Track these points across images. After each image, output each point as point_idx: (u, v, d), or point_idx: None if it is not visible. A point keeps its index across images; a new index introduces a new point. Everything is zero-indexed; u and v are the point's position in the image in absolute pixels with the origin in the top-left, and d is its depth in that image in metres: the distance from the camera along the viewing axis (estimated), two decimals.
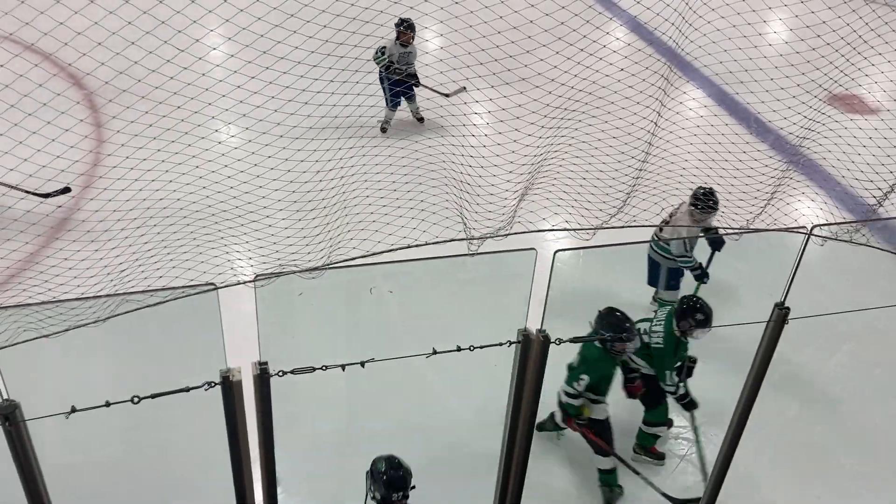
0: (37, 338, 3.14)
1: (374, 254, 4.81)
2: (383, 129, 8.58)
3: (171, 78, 5.88)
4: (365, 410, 5.40)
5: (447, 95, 8.09)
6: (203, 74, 6.46)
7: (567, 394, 5.03)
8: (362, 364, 3.11)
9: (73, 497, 3.33)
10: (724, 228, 6.28)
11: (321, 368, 3.07)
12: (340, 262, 5.28)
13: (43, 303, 3.15)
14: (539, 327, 3.37)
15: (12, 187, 6.11)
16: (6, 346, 2.96)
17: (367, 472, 3.82)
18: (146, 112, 6.26)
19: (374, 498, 3.82)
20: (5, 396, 2.74)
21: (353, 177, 6.31)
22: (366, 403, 5.30)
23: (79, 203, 6.36)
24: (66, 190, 6.56)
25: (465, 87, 7.73)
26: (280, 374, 3.09)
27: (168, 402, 2.81)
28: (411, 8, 6.19)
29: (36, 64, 6.38)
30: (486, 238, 5.63)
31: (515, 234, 5.75)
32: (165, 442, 4.81)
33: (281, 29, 5.95)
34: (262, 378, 3.15)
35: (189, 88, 6.24)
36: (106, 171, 6.49)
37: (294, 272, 4.08)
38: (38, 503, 3.07)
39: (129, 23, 5.66)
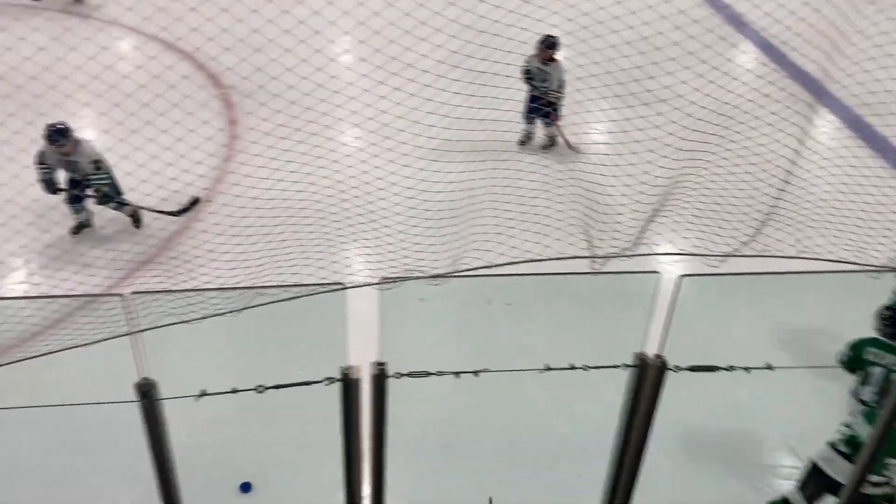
0: (177, 323, 3.37)
1: (496, 265, 4.86)
2: (521, 143, 8.46)
3: (307, 82, 6.21)
4: (469, 420, 5.43)
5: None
6: (348, 84, 6.76)
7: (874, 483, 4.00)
8: (476, 374, 3.15)
9: (193, 474, 3.52)
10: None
11: (436, 374, 3.13)
12: (464, 271, 5.37)
13: (187, 290, 3.38)
14: (657, 353, 3.30)
15: (146, 209, 6.46)
16: (149, 329, 3.19)
17: None
18: (278, 111, 6.59)
19: None
20: (144, 375, 2.96)
21: (482, 188, 6.39)
22: (470, 413, 5.32)
23: (212, 196, 6.72)
24: (196, 201, 6.64)
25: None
26: (397, 375, 3.17)
27: (287, 394, 2.95)
28: (540, 21, 6.19)
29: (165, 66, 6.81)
30: (610, 257, 5.57)
31: (640, 255, 5.66)
32: (278, 431, 4.99)
33: (423, 41, 6.16)
34: (380, 378, 3.24)
35: (334, 96, 6.57)
36: (238, 167, 6.88)
37: (419, 278, 4.19)
38: (165, 478, 3.27)
39: (269, 21, 5.99)
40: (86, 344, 3.57)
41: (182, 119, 6.49)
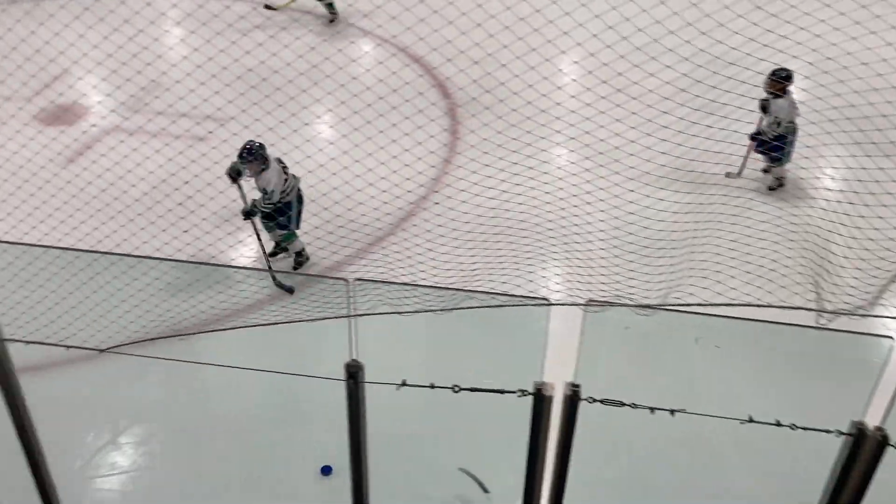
0: (392, 312, 3.57)
1: (710, 304, 4.66)
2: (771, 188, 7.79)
3: (531, 99, 6.28)
4: (648, 456, 5.23)
5: None
6: (570, 97, 6.81)
7: None
8: (672, 412, 3.03)
9: (378, 461, 3.69)
10: None
11: (630, 405, 3.06)
12: (675, 305, 5.20)
13: (405, 283, 3.57)
14: (878, 425, 2.99)
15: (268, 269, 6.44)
16: (366, 314, 3.40)
17: None
18: (499, 117, 6.72)
19: None
20: (354, 357, 3.15)
21: (704, 221, 6.16)
22: (655, 449, 5.13)
23: (430, 197, 6.99)
24: (290, 290, 6.27)
25: None
26: (590, 400, 3.13)
27: (478, 398, 3.01)
28: (779, 51, 5.85)
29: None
30: (841, 314, 5.14)
31: (876, 316, 5.17)
32: (465, 433, 5.09)
33: (638, 70, 6.08)
34: (572, 400, 3.21)
35: (556, 114, 6.65)
36: (457, 172, 7.11)
37: (627, 305, 4.11)
38: (358, 459, 3.46)
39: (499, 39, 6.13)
40: (308, 319, 3.88)
41: (402, 122, 6.81)
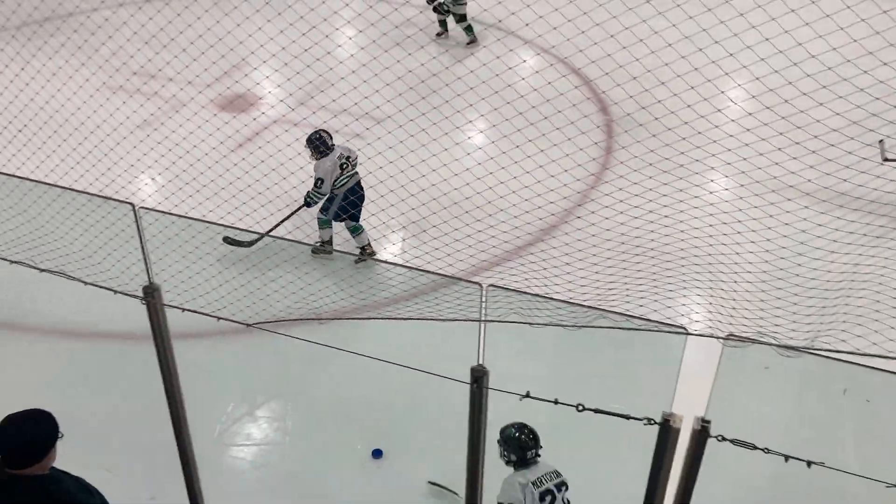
0: (522, 322, 3.58)
1: (865, 354, 4.35)
2: None
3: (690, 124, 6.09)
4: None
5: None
6: (729, 120, 6.56)
7: None
8: (809, 464, 2.86)
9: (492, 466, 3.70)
10: None
11: (763, 450, 2.92)
12: (823, 350, 4.89)
13: (538, 295, 3.56)
14: None
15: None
16: (497, 321, 3.43)
17: (498, 440, 4.05)
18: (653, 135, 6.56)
19: (509, 461, 4.16)
20: (480, 362, 3.19)
21: (867, 264, 5.77)
22: (779, 500, 4.85)
23: (574, 211, 6.91)
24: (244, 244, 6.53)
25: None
26: (720, 438, 3.01)
27: (599, 419, 2.97)
28: None
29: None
30: None
31: None
32: (582, 452, 5.01)
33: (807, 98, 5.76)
34: (701, 435, 3.11)
35: (715, 142, 6.43)
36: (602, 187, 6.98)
37: (771, 344, 3.91)
38: (475, 461, 3.49)
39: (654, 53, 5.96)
40: (440, 319, 3.95)
41: (553, 133, 6.80)
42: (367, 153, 7.20)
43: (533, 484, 4.17)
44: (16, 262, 3.67)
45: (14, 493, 3.12)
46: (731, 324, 5.39)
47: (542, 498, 4.16)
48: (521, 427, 4.26)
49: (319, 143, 6.79)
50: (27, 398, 3.23)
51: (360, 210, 6.90)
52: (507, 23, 10.69)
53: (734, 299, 5.68)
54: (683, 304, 5.71)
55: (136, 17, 8.50)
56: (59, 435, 3.20)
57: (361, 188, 6.99)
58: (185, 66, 7.86)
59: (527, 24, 7.25)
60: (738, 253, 5.97)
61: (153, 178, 7.63)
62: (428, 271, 4.86)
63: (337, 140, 7.29)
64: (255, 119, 8.36)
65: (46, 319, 6.16)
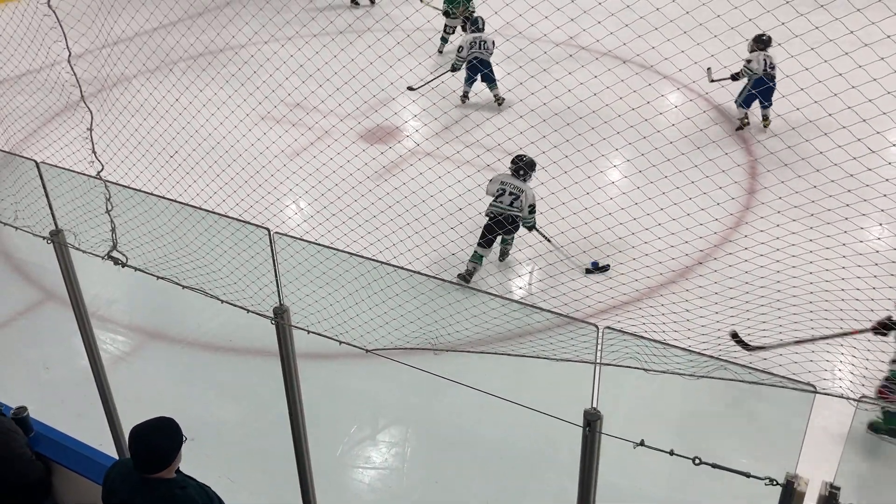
0: (637, 368, 3.49)
1: None
2: None
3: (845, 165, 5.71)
4: None
5: None
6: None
7: None
8: None
9: None
10: None
11: None
12: None
13: (655, 341, 3.46)
14: None
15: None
16: (612, 364, 3.36)
17: None
18: (798, 176, 6.24)
19: None
20: (594, 405, 3.13)
21: None
22: None
23: (714, 253, 6.66)
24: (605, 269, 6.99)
25: None
26: None
27: (717, 475, 2.84)
28: None
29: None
30: None
31: None
32: None
33: None
34: (828, 502, 2.92)
35: (862, 176, 6.03)
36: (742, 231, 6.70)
37: None
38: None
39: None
40: (555, 359, 3.91)
41: (692, 170, 6.60)
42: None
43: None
44: (162, 278, 3.96)
45: (145, 495, 3.43)
46: (863, 385, 5.01)
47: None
48: None
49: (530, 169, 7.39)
50: (167, 403, 3.46)
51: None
52: (646, 57, 10.59)
53: (867, 359, 5.28)
54: (810, 360, 5.35)
55: (282, 51, 8.98)
56: (184, 439, 3.44)
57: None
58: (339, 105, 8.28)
59: (666, 59, 7.10)
60: (872, 311, 5.57)
61: (294, 203, 8.02)
62: (544, 309, 4.83)
63: (467, 170, 7.40)
64: (396, 152, 8.63)
65: (190, 331, 6.60)
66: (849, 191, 6.09)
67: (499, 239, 7.26)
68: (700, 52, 6.74)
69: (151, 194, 4.07)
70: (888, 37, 5.63)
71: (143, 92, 8.66)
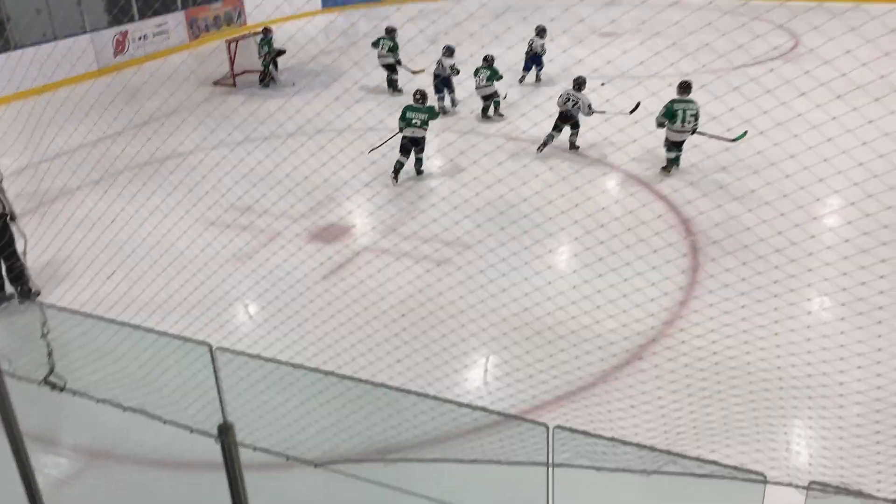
0: (589, 467, 3.46)
1: None
2: None
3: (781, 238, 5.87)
4: None
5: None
6: (827, 248, 6.31)
7: None
8: None
9: None
10: None
11: None
12: None
13: (607, 438, 3.44)
14: None
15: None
16: (564, 466, 3.33)
17: None
18: (743, 263, 6.38)
19: None
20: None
21: None
22: None
23: (664, 332, 6.71)
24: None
25: None
26: None
27: None
28: None
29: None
30: None
31: None
32: None
33: None
34: None
35: (808, 259, 6.20)
36: (690, 313, 6.81)
37: (859, 495, 3.60)
38: None
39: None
40: (506, 462, 3.86)
41: (646, 255, 6.78)
42: (447, 283, 7.34)
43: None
44: (102, 401, 3.85)
45: None
46: (811, 472, 5.01)
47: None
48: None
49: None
50: None
51: None
52: (597, 148, 10.93)
53: (822, 443, 5.30)
54: (758, 450, 5.35)
55: (231, 155, 9.06)
56: None
57: None
58: (280, 198, 8.32)
59: (619, 149, 7.34)
60: (824, 385, 5.62)
61: (245, 308, 7.95)
62: (494, 412, 4.78)
63: (424, 265, 7.41)
64: (347, 247, 8.67)
65: (134, 450, 6.37)
66: (792, 261, 6.28)
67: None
68: (637, 148, 7.08)
69: (90, 315, 3.99)
70: (814, 127, 5.92)
71: (87, 203, 8.64)
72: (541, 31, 15.05)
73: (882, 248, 5.71)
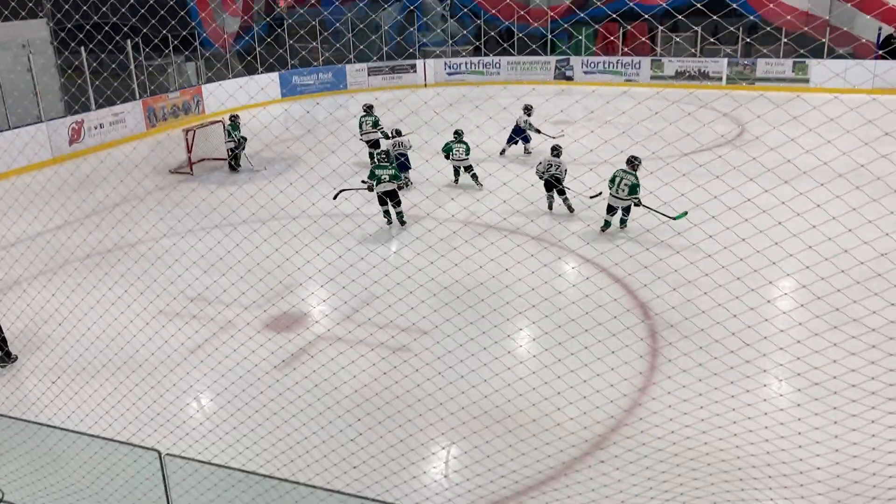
0: None
1: None
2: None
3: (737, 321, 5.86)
4: None
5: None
6: (781, 331, 6.31)
7: None
8: None
9: None
10: None
11: None
12: None
13: None
14: None
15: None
16: None
17: None
18: (700, 347, 6.40)
19: None
20: None
21: None
22: None
23: (624, 421, 6.60)
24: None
25: None
26: None
27: None
28: None
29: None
30: None
31: None
32: None
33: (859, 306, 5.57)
34: None
35: (764, 342, 6.20)
36: (648, 401, 6.74)
37: None
38: None
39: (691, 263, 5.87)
40: None
41: (605, 339, 6.71)
42: (402, 370, 7.19)
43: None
44: None
45: None
46: None
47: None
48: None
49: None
50: None
51: None
52: (553, 233, 11.01)
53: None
54: None
55: (182, 242, 8.90)
56: None
57: None
58: (232, 285, 8.13)
59: (573, 233, 7.36)
60: (785, 463, 5.55)
61: (194, 402, 7.65)
62: None
63: (381, 352, 7.24)
64: (299, 335, 8.46)
65: None
66: (747, 345, 6.28)
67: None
68: (591, 231, 7.16)
69: (30, 422, 3.75)
70: (764, 212, 6.02)
71: (25, 298, 8.36)
72: (527, 109, 16.46)
73: (833, 332, 5.74)
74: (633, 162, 11.08)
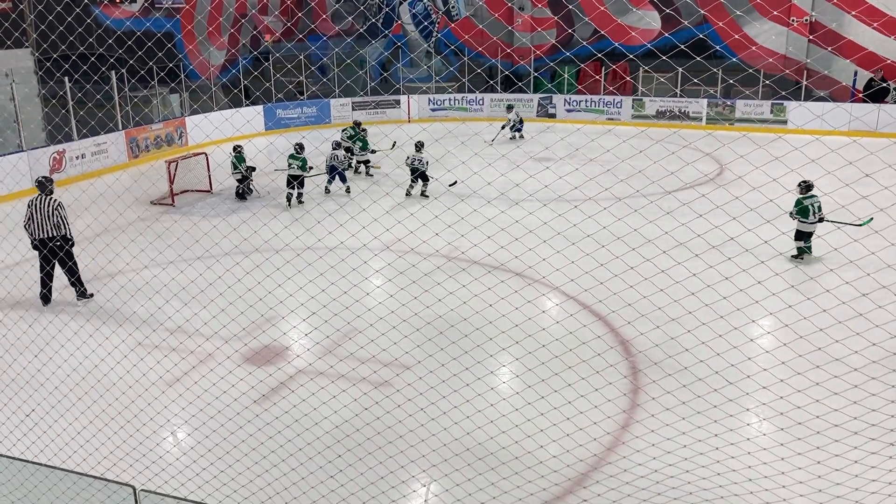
0: None
1: None
2: None
3: (719, 360, 5.84)
4: None
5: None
6: (763, 370, 6.31)
7: None
8: None
9: None
10: None
11: None
12: None
13: None
14: None
15: None
16: None
17: None
18: (683, 385, 6.39)
19: None
20: None
21: None
22: None
23: (606, 458, 6.55)
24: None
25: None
26: None
27: None
28: None
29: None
30: None
31: None
32: None
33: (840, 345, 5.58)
34: None
35: (746, 381, 6.19)
36: (630, 439, 6.70)
37: None
38: None
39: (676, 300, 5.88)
40: None
41: (588, 376, 6.67)
42: (384, 406, 7.11)
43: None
44: None
45: None
46: None
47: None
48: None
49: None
50: None
51: None
52: (536, 269, 11.01)
53: None
54: None
55: (163, 274, 8.80)
56: None
57: None
58: (213, 317, 8.04)
59: (557, 269, 7.36)
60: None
61: (171, 437, 7.51)
62: None
63: (363, 387, 7.16)
64: (280, 369, 8.36)
65: None
66: (730, 383, 6.26)
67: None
68: (576, 269, 7.11)
69: (1, 456, 3.66)
70: (747, 251, 6.05)
71: (1, 328, 8.22)
72: (509, 107, 22.46)
73: (816, 371, 5.75)
74: (808, 187, 10.66)
